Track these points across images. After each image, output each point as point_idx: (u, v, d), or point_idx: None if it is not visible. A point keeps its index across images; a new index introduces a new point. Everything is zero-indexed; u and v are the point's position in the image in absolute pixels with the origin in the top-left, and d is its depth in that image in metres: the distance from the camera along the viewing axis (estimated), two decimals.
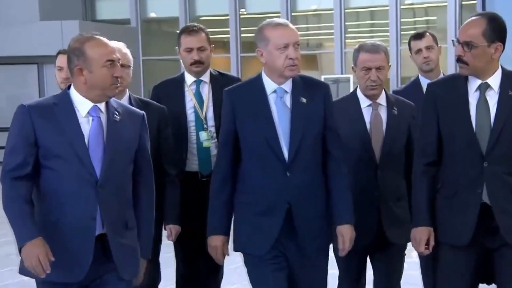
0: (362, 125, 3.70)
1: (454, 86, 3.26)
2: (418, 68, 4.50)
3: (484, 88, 3.21)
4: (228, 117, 3.35)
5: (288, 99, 3.32)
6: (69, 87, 3.05)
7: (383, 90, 3.78)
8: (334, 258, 3.74)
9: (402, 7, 15.72)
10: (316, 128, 3.32)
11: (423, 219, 3.30)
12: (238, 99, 3.34)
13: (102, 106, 3.02)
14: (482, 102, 3.20)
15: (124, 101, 3.65)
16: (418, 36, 4.49)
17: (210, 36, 4.25)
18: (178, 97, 4.13)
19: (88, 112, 2.98)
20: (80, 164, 2.92)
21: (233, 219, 3.40)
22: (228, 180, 3.35)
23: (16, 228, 2.90)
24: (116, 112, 3.04)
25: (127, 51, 3.73)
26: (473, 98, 3.22)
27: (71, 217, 2.92)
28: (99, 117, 2.99)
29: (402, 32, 16.09)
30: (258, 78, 3.37)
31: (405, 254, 3.81)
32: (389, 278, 3.81)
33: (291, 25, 3.32)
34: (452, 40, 3.25)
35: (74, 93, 3.01)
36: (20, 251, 2.89)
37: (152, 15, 18.30)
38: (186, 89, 4.16)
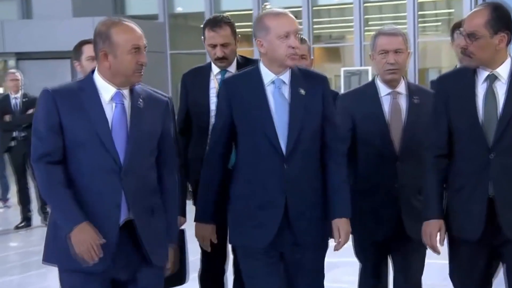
0: (381, 115, 3.48)
1: (463, 78, 3.13)
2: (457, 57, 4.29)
3: (492, 79, 3.08)
4: (224, 108, 3.20)
5: (286, 90, 3.15)
6: (93, 71, 2.90)
7: (403, 78, 3.56)
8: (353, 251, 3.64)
9: (419, 0, 15.60)
10: (315, 120, 3.16)
11: (433, 212, 3.17)
12: (235, 90, 3.19)
13: (126, 92, 2.88)
14: (490, 93, 3.07)
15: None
16: (457, 26, 4.30)
17: (238, 30, 4.08)
18: (203, 85, 3.99)
19: (111, 98, 2.85)
20: (104, 150, 2.79)
21: (228, 212, 3.26)
22: (220, 170, 3.23)
23: (61, 214, 2.79)
24: (140, 99, 2.90)
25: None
26: (480, 89, 3.08)
27: (96, 204, 2.80)
28: (123, 104, 2.86)
29: (420, 25, 15.99)
30: (256, 69, 3.21)
31: (426, 249, 3.50)
32: (408, 274, 3.59)
33: (290, 14, 3.17)
34: (458, 31, 3.15)
35: (97, 78, 2.87)
36: (68, 238, 2.75)
37: (179, 9, 18.31)
38: (211, 77, 4.02)
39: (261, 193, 3.12)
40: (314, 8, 16.70)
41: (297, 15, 16.47)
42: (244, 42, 17.28)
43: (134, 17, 17.69)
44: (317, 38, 17.41)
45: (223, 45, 3.90)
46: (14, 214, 9.12)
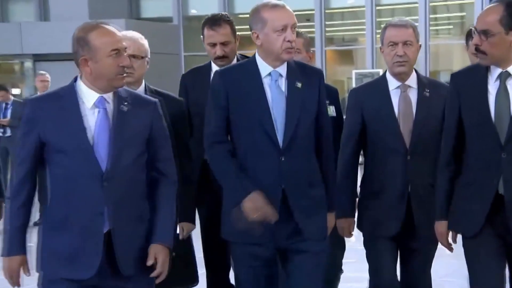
0: (390, 109, 3.38)
1: (475, 76, 3.05)
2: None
3: (504, 77, 2.99)
4: (220, 99, 3.07)
5: (283, 83, 3.07)
6: (75, 78, 2.83)
7: (414, 71, 3.46)
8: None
9: (432, 4, 15.57)
10: (311, 113, 3.10)
11: (443, 212, 3.13)
12: (231, 81, 3.08)
13: (109, 96, 2.79)
14: (502, 91, 2.98)
15: (140, 92, 3.37)
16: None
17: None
18: (203, 85, 3.82)
19: (94, 104, 2.76)
20: (84, 158, 2.71)
21: (224, 204, 3.17)
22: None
23: (7, 239, 2.80)
24: (125, 102, 2.81)
25: (144, 42, 3.47)
26: (493, 88, 3.00)
27: (79, 213, 2.73)
28: (105, 109, 2.77)
29: (432, 28, 15.95)
30: (252, 61, 3.11)
31: (437, 244, 3.42)
32: (416, 269, 3.52)
33: (288, 7, 3.06)
34: (471, 29, 3.04)
35: (80, 85, 2.79)
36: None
37: (193, 12, 18.38)
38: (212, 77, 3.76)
39: (258, 186, 3.00)
40: (327, 11, 16.71)
41: (310, 17, 16.48)
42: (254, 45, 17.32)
43: (149, 20, 17.83)
44: (330, 41, 17.40)
45: (223, 44, 3.81)
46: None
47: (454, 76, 3.18)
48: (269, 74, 3.07)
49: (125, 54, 2.77)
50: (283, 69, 3.08)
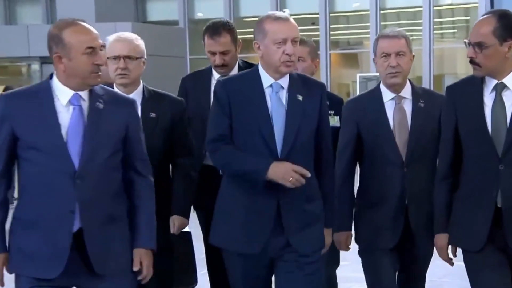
0: (385, 121, 3.34)
1: (471, 88, 3.02)
2: None
3: (500, 88, 2.95)
4: (222, 107, 3.05)
5: (284, 95, 3.05)
6: (51, 75, 2.78)
7: (409, 82, 3.41)
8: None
9: (436, 7, 15.57)
10: (311, 126, 3.07)
11: (442, 226, 3.09)
12: (233, 91, 3.06)
13: (85, 93, 2.74)
14: (498, 103, 2.94)
15: (138, 93, 3.39)
16: None
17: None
18: (204, 89, 3.86)
19: (69, 101, 2.71)
20: (57, 155, 2.66)
21: (216, 212, 3.16)
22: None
23: None
24: (101, 99, 2.76)
25: (140, 42, 3.43)
26: (488, 99, 2.97)
27: (49, 210, 2.67)
28: (80, 106, 2.72)
29: (437, 32, 15.94)
30: (255, 71, 3.10)
31: (432, 255, 3.46)
32: (413, 275, 3.51)
33: (292, 20, 3.04)
34: (465, 41, 2.97)
35: (55, 82, 2.74)
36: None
37: (199, 15, 18.42)
38: (213, 82, 3.83)
39: (253, 196, 3.01)
40: (332, 14, 16.72)
41: (315, 21, 16.50)
42: None
43: (155, 23, 17.87)
44: (335, 44, 17.41)
45: (223, 53, 3.79)
46: None
47: (450, 88, 3.14)
48: (270, 85, 3.06)
49: (102, 52, 2.74)
50: (284, 82, 3.07)
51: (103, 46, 2.77)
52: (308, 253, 3.06)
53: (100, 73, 2.73)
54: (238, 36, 3.94)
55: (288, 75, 3.07)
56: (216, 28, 3.78)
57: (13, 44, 14.86)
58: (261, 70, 3.08)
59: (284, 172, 2.92)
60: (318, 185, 3.13)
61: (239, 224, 3.04)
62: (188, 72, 17.22)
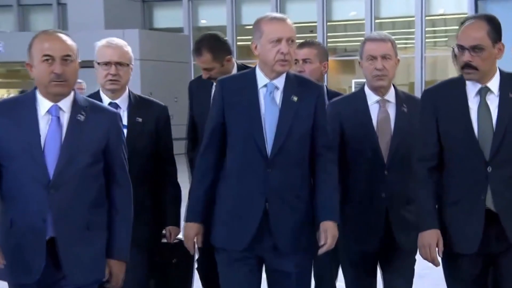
0: (369, 123, 3.27)
1: (452, 91, 2.96)
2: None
3: (484, 92, 2.90)
4: (217, 107, 3.08)
5: (278, 96, 3.03)
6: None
7: (393, 86, 3.36)
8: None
9: (428, 17, 15.97)
10: (304, 127, 3.02)
11: (430, 222, 2.94)
12: (229, 90, 3.08)
13: (66, 104, 2.72)
14: (483, 107, 2.90)
15: (124, 98, 3.36)
16: None
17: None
18: (207, 94, 3.79)
19: (48, 111, 2.70)
20: (34, 163, 2.65)
21: (213, 212, 3.11)
22: (212, 169, 3.08)
23: None
24: (83, 111, 2.74)
25: (128, 49, 3.38)
26: (473, 103, 2.91)
27: (24, 217, 2.67)
28: (58, 117, 2.70)
29: (430, 40, 16.36)
30: (252, 71, 3.11)
31: (415, 260, 3.32)
32: (398, 285, 3.37)
33: (288, 21, 3.04)
34: (453, 47, 2.92)
35: (37, 92, 2.75)
36: None
37: (203, 22, 18.60)
38: (215, 85, 3.65)
39: (243, 195, 3.00)
40: (329, 23, 17.14)
41: (313, 29, 16.92)
42: None
43: (161, 30, 18.25)
44: (332, 51, 17.77)
45: (206, 70, 3.77)
46: None
47: (428, 92, 3.10)
48: (265, 85, 3.04)
49: (69, 62, 2.69)
50: (280, 82, 3.04)
51: (71, 56, 2.71)
52: (291, 252, 3.04)
53: (63, 82, 2.67)
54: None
55: (284, 75, 3.05)
56: (197, 48, 3.80)
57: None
58: (257, 70, 3.08)
59: (185, 236, 3.05)
60: (309, 185, 3.09)
61: (228, 221, 3.04)
62: (192, 77, 17.65)
